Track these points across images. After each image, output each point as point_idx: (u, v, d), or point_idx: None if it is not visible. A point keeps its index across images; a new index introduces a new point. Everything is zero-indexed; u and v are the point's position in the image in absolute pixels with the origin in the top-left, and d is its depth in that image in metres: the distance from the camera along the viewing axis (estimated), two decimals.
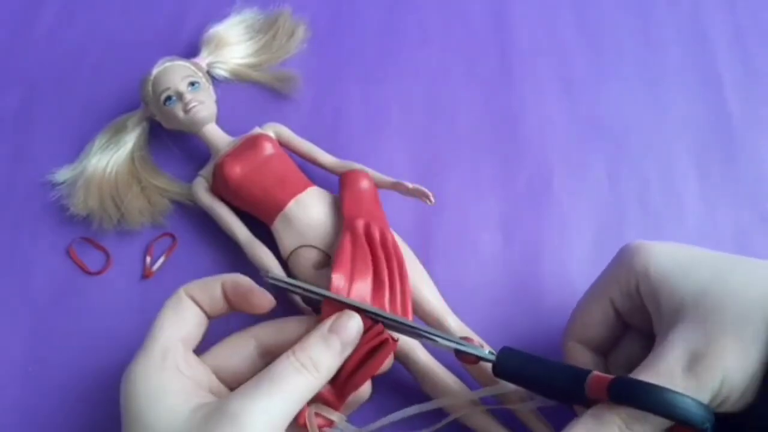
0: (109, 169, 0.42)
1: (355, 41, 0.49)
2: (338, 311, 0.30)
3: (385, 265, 0.35)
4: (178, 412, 0.26)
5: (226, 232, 0.40)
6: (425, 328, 0.31)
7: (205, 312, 0.31)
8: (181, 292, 0.31)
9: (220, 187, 0.40)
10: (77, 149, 0.44)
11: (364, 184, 0.39)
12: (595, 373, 0.28)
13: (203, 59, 0.45)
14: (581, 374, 0.29)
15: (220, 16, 0.48)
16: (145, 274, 0.40)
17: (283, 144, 0.42)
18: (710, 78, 0.47)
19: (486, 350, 0.31)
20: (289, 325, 0.31)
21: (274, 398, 0.26)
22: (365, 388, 0.31)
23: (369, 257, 0.35)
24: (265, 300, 0.31)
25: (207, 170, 0.41)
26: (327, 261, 0.37)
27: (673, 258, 0.30)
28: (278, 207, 0.38)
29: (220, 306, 0.31)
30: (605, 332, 0.33)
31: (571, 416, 0.33)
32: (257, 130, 0.42)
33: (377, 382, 0.37)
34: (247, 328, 0.32)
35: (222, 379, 0.30)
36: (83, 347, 0.39)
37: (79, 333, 0.39)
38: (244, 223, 0.40)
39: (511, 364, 0.30)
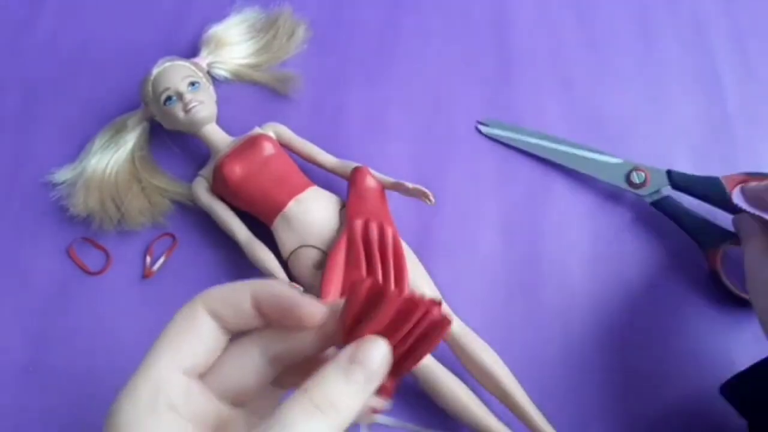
0: (109, 170, 0.42)
1: (356, 41, 0.49)
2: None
3: (379, 264, 0.36)
4: None
5: (226, 232, 0.40)
6: None
7: (226, 328, 0.25)
8: (197, 304, 0.24)
9: (220, 187, 0.40)
10: (77, 149, 0.44)
11: (370, 181, 0.39)
12: None
13: (203, 59, 0.45)
14: None
15: (221, 16, 0.48)
16: (145, 274, 0.40)
17: (283, 144, 0.42)
18: (710, 78, 0.47)
19: None
20: (241, 291, 0.25)
21: None
22: None
23: (363, 259, 0.36)
24: (315, 310, 0.24)
25: (207, 170, 0.41)
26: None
27: None
28: (278, 207, 0.38)
29: (248, 321, 0.25)
30: None
31: (575, 418, 0.33)
32: (257, 130, 0.42)
33: None
34: (194, 302, 0.25)
35: (229, 398, 0.25)
36: (83, 347, 0.39)
37: (79, 333, 0.39)
38: (244, 223, 0.40)
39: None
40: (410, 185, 0.39)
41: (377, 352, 0.23)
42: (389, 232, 0.37)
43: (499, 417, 0.34)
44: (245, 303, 0.24)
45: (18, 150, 0.45)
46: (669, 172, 0.41)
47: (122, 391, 0.23)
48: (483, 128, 0.45)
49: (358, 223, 0.37)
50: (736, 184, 0.40)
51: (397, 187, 0.40)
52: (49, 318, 0.39)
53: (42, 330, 0.39)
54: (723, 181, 0.39)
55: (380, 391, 0.24)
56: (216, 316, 0.24)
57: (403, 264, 0.36)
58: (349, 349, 0.23)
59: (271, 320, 0.25)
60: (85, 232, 0.42)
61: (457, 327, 0.36)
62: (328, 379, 0.22)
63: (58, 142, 0.45)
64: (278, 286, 0.25)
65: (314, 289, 0.37)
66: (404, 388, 0.37)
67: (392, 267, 0.36)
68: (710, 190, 0.40)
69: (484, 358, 0.35)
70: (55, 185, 0.43)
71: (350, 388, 0.22)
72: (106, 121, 0.44)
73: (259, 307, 0.24)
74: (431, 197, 0.39)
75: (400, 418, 0.36)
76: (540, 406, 0.34)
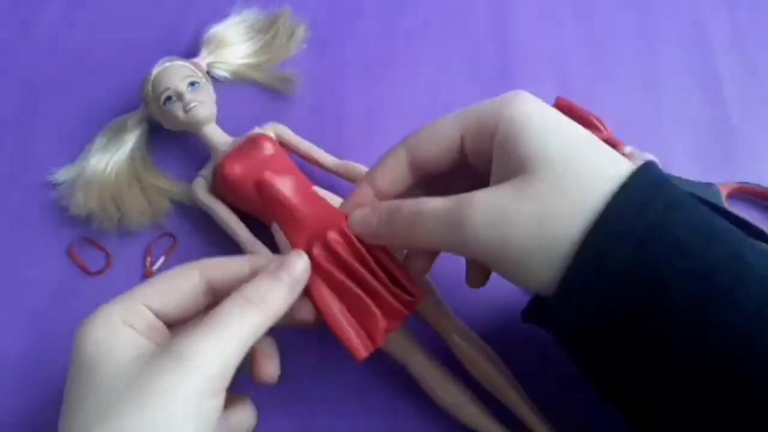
0: (108, 170, 0.42)
1: (356, 41, 0.49)
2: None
3: (363, 270, 0.31)
4: (121, 364, 0.25)
5: (227, 232, 0.40)
6: None
7: (215, 291, 0.29)
8: (195, 268, 0.29)
9: (221, 188, 0.40)
10: (78, 149, 0.44)
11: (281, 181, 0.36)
12: None
13: (203, 59, 0.45)
14: None
15: (221, 16, 0.48)
16: (146, 275, 0.40)
17: (283, 144, 0.42)
18: (710, 78, 0.47)
19: None
20: (235, 264, 0.30)
21: (222, 337, 0.25)
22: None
23: (346, 281, 0.31)
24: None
25: (207, 170, 0.41)
26: None
27: (541, 123, 0.28)
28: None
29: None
30: (442, 158, 0.31)
31: (576, 413, 0.33)
32: (257, 130, 0.42)
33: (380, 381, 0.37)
34: (191, 262, 0.30)
35: (160, 315, 0.28)
36: None
37: None
38: (245, 224, 0.40)
39: None
40: None
41: (300, 262, 0.29)
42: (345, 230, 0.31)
43: (499, 416, 0.34)
44: (244, 273, 0.29)
45: (18, 150, 0.45)
46: None
47: (98, 311, 0.27)
48: None
49: (318, 253, 0.31)
50: (730, 192, 0.40)
51: None
52: (48, 318, 0.39)
53: (42, 330, 0.39)
54: (719, 189, 0.40)
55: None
56: (209, 280, 0.29)
57: (390, 257, 0.32)
58: (277, 259, 0.29)
59: None
60: (85, 232, 0.42)
61: (457, 327, 0.36)
62: (259, 280, 0.28)
63: (58, 142, 0.45)
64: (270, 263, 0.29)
65: None
66: (405, 388, 0.37)
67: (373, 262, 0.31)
68: (706, 196, 0.40)
69: (484, 357, 0.35)
70: (55, 185, 0.43)
71: (278, 286, 0.28)
72: (106, 121, 0.44)
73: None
74: None
75: (399, 418, 0.37)
76: (540, 406, 0.34)
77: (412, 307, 0.32)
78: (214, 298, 0.29)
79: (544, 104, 0.29)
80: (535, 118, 0.28)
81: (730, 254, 0.24)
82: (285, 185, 0.36)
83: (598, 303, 0.25)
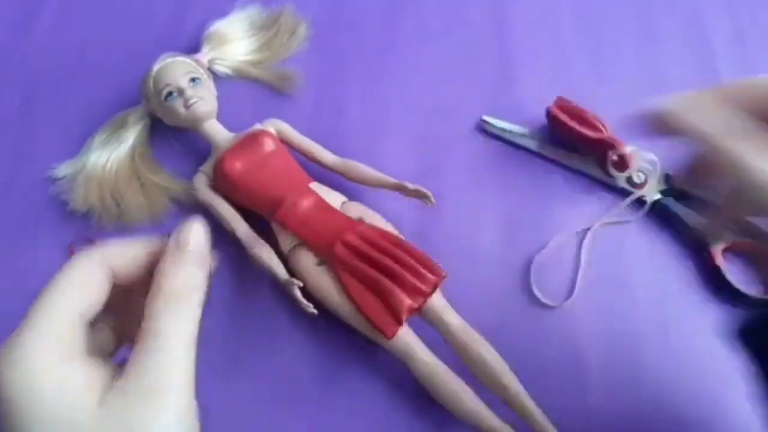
0: (109, 165, 0.42)
1: (356, 40, 0.49)
2: None
3: (382, 256, 0.36)
4: (84, 408, 0.22)
5: (226, 228, 0.40)
6: None
7: (116, 280, 0.26)
8: (95, 257, 0.26)
9: (221, 183, 0.40)
10: (78, 147, 0.44)
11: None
12: None
13: (204, 55, 0.45)
14: None
15: (221, 14, 0.48)
16: None
17: (283, 140, 0.42)
18: (710, 78, 0.47)
19: None
20: (132, 248, 0.27)
21: (172, 353, 0.23)
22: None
23: (367, 267, 0.36)
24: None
25: (208, 166, 0.41)
26: None
27: None
28: (278, 203, 0.38)
29: (140, 274, 0.26)
30: None
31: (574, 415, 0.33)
32: (258, 126, 0.42)
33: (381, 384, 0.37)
34: (89, 252, 0.26)
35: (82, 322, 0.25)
36: None
37: None
38: (244, 219, 0.40)
39: None
40: (411, 186, 0.39)
41: (192, 232, 0.26)
42: (366, 230, 0.37)
43: (498, 413, 0.34)
44: (142, 260, 0.26)
45: (19, 147, 0.45)
46: (667, 176, 0.41)
47: (22, 335, 0.24)
48: (486, 126, 0.45)
49: (340, 250, 0.36)
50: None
51: (398, 188, 0.40)
52: None
53: None
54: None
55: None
56: (111, 268, 0.26)
57: (405, 245, 0.37)
58: (172, 236, 0.26)
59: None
60: (85, 227, 0.42)
61: (458, 324, 0.36)
62: (167, 270, 0.25)
63: (59, 140, 0.45)
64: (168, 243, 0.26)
65: (312, 283, 0.37)
66: (404, 387, 0.37)
67: (402, 254, 0.36)
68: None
69: (484, 354, 0.35)
70: (55, 180, 0.43)
71: (186, 267, 0.25)
72: (106, 119, 0.44)
73: (154, 263, 0.26)
74: (432, 198, 0.39)
75: (400, 418, 0.37)
76: (539, 404, 0.35)
77: (433, 284, 0.36)
78: (116, 282, 0.26)
79: None
80: None
81: None
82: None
83: None
